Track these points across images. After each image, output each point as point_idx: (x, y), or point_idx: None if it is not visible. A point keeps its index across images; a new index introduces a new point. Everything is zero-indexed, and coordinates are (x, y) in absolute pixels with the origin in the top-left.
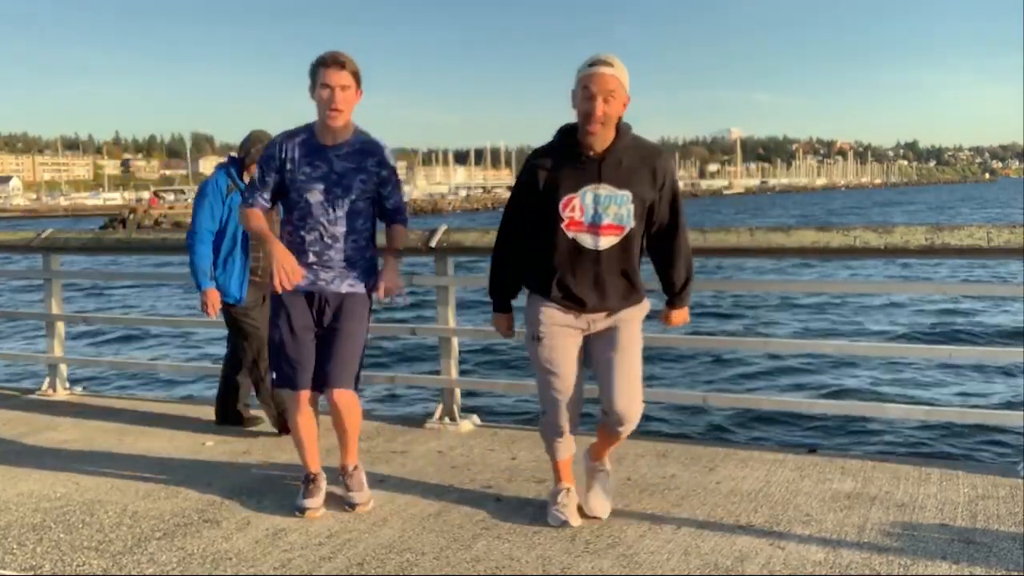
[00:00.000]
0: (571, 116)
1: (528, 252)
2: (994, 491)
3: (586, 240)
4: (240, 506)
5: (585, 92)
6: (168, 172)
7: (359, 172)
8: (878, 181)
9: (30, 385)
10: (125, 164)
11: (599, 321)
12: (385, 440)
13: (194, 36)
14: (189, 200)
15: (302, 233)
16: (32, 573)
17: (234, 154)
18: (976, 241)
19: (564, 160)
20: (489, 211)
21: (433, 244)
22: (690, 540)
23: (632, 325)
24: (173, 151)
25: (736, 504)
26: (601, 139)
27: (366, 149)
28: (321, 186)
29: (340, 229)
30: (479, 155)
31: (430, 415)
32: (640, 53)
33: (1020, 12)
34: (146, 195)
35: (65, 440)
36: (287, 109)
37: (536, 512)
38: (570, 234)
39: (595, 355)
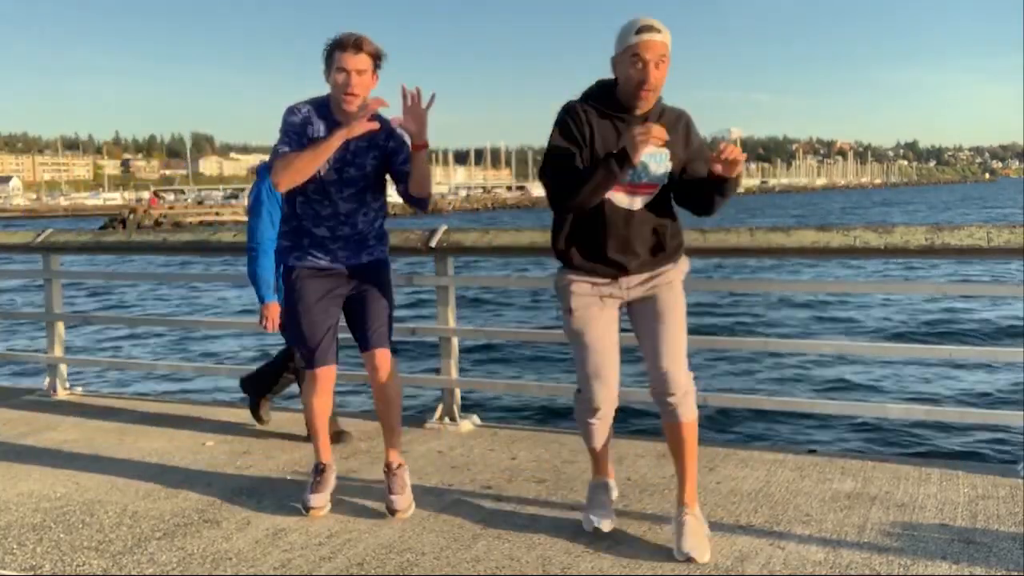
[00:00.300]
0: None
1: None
2: (994, 491)
3: (621, 200)
4: (240, 506)
5: (635, 59)
6: (168, 172)
7: (371, 149)
8: (878, 181)
9: (30, 385)
10: (125, 164)
11: (635, 288)
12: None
13: (194, 36)
14: (189, 200)
15: (316, 207)
16: (32, 573)
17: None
18: (976, 241)
19: (606, 116)
20: (489, 211)
21: (433, 244)
22: None
23: (671, 289)
24: (173, 151)
25: (736, 504)
26: (648, 103)
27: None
28: (336, 164)
29: (352, 205)
30: (479, 155)
31: (430, 415)
32: None
33: (1020, 12)
34: (146, 195)
35: (65, 440)
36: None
37: (536, 512)
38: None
39: (637, 324)
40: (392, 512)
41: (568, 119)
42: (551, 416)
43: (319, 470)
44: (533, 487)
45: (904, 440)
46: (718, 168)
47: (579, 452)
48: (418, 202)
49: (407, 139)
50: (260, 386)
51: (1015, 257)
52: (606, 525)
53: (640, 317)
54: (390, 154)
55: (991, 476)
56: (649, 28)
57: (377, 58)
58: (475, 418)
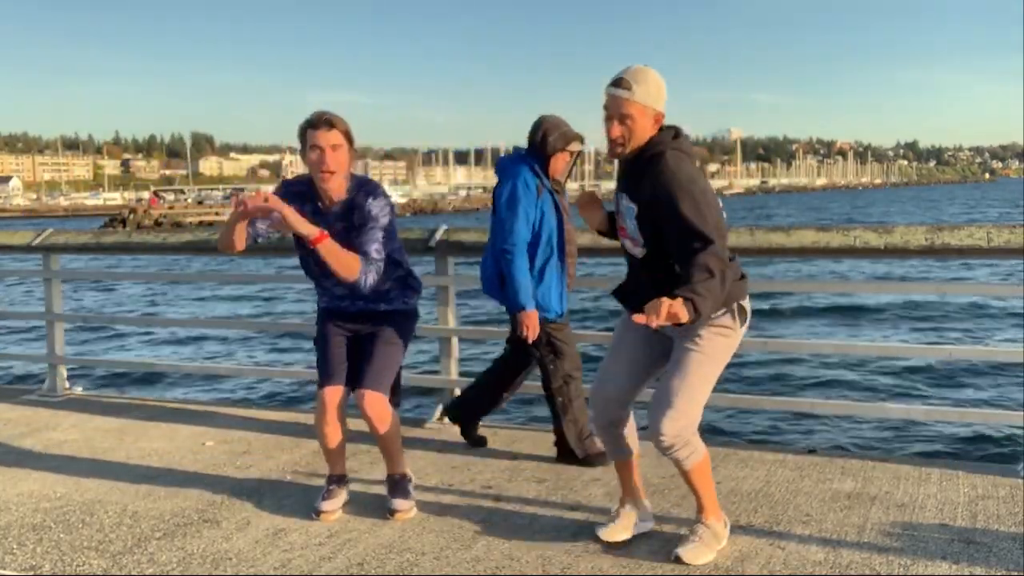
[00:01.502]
0: (576, 116)
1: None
2: (994, 491)
3: (628, 246)
4: (240, 506)
5: (605, 111)
6: (168, 172)
7: (351, 229)
8: (878, 181)
9: (30, 385)
10: (125, 164)
11: (668, 329)
12: None
13: (194, 36)
14: (189, 200)
15: (320, 273)
16: (32, 573)
17: (520, 148)
18: (976, 241)
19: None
20: (489, 211)
21: (433, 244)
22: None
23: (695, 340)
24: (173, 151)
25: (736, 504)
26: (619, 155)
27: (354, 204)
28: None
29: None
30: (479, 155)
31: (430, 415)
32: (640, 53)
33: (1020, 13)
34: (146, 195)
35: (65, 440)
36: (287, 108)
37: (536, 512)
38: (621, 238)
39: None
40: (392, 512)
41: None
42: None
43: (331, 480)
44: (533, 487)
45: (904, 440)
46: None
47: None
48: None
49: (375, 213)
50: (469, 410)
51: (1015, 257)
52: (607, 534)
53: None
54: (360, 225)
55: (991, 476)
56: (619, 80)
57: (348, 134)
58: None
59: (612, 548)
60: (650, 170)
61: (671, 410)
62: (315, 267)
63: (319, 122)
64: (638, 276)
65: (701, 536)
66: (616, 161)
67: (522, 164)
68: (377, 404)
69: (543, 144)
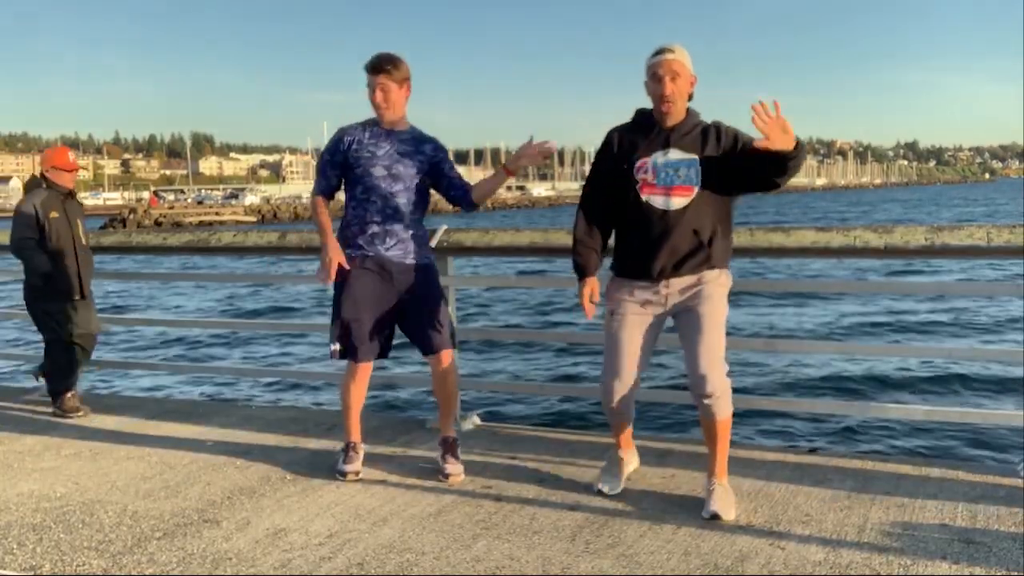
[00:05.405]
0: (577, 117)
1: (606, 224)
2: (994, 491)
3: (657, 201)
4: (240, 506)
5: (654, 77)
6: (168, 172)
7: (418, 154)
8: (878, 181)
9: (30, 385)
10: (125, 164)
11: (675, 296)
12: (385, 440)
13: (194, 36)
14: (189, 200)
15: (366, 205)
16: (32, 573)
17: None
18: (976, 241)
19: (639, 131)
20: (489, 211)
21: (433, 244)
22: (690, 540)
23: (711, 301)
24: (173, 151)
25: (736, 504)
26: (673, 116)
27: (423, 138)
28: (385, 162)
29: (401, 200)
30: (479, 155)
31: (431, 415)
32: (640, 54)
33: (1020, 13)
34: (146, 195)
35: (65, 440)
36: (287, 108)
37: (536, 512)
38: (644, 196)
39: (681, 333)
40: (445, 477)
41: (598, 152)
42: (552, 416)
43: (349, 447)
44: (533, 487)
45: (904, 440)
46: (762, 144)
47: (579, 452)
48: (470, 205)
49: (440, 152)
50: None
51: (1015, 257)
52: (606, 489)
53: (683, 326)
54: (438, 162)
55: (991, 476)
56: (664, 50)
57: (403, 73)
58: (475, 418)
59: (614, 546)
60: (712, 133)
61: (718, 363)
62: (378, 201)
63: (377, 66)
64: (660, 236)
65: (724, 495)
66: (645, 135)
67: None
68: (452, 361)
69: None
